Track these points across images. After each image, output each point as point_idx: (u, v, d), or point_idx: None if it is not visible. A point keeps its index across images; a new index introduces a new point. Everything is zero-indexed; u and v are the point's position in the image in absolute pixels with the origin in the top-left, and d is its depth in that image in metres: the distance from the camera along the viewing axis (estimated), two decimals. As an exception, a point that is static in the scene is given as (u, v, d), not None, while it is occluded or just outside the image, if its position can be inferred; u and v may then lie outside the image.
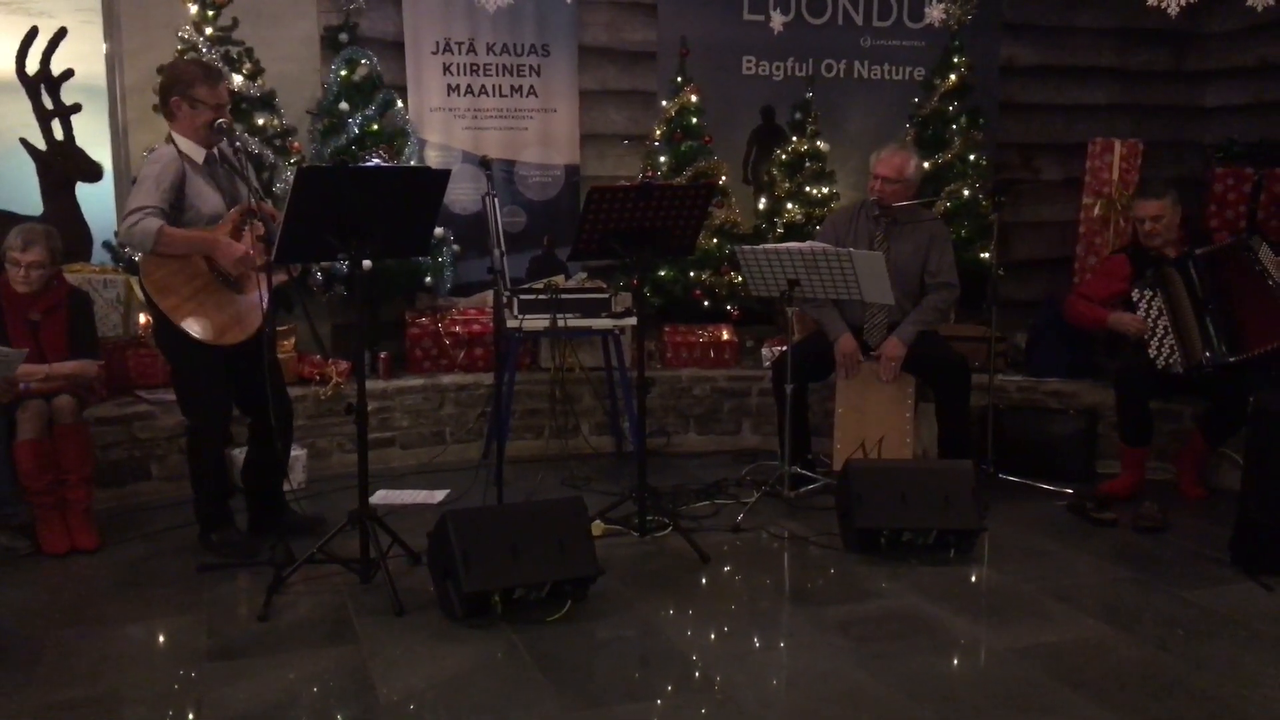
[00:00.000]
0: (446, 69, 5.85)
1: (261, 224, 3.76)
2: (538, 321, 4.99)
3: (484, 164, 4.58)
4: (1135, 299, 4.67)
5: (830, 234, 4.86)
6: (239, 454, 4.69)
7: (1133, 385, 4.67)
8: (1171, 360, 4.58)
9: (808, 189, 5.98)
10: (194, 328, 3.78)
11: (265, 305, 3.82)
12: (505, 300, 4.80)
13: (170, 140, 3.89)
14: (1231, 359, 4.49)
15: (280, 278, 3.89)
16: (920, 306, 4.79)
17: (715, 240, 5.83)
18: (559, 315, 4.98)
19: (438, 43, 5.82)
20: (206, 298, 3.82)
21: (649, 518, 4.21)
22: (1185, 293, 4.58)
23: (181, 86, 3.85)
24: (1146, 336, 4.62)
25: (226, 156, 3.94)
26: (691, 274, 5.81)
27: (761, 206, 6.18)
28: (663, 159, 5.85)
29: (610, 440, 5.63)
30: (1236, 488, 4.05)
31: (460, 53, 5.86)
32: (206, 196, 3.87)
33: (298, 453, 4.85)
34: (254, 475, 4.19)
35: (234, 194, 3.96)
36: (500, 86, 5.95)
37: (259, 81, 5.22)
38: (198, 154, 3.89)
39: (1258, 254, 4.55)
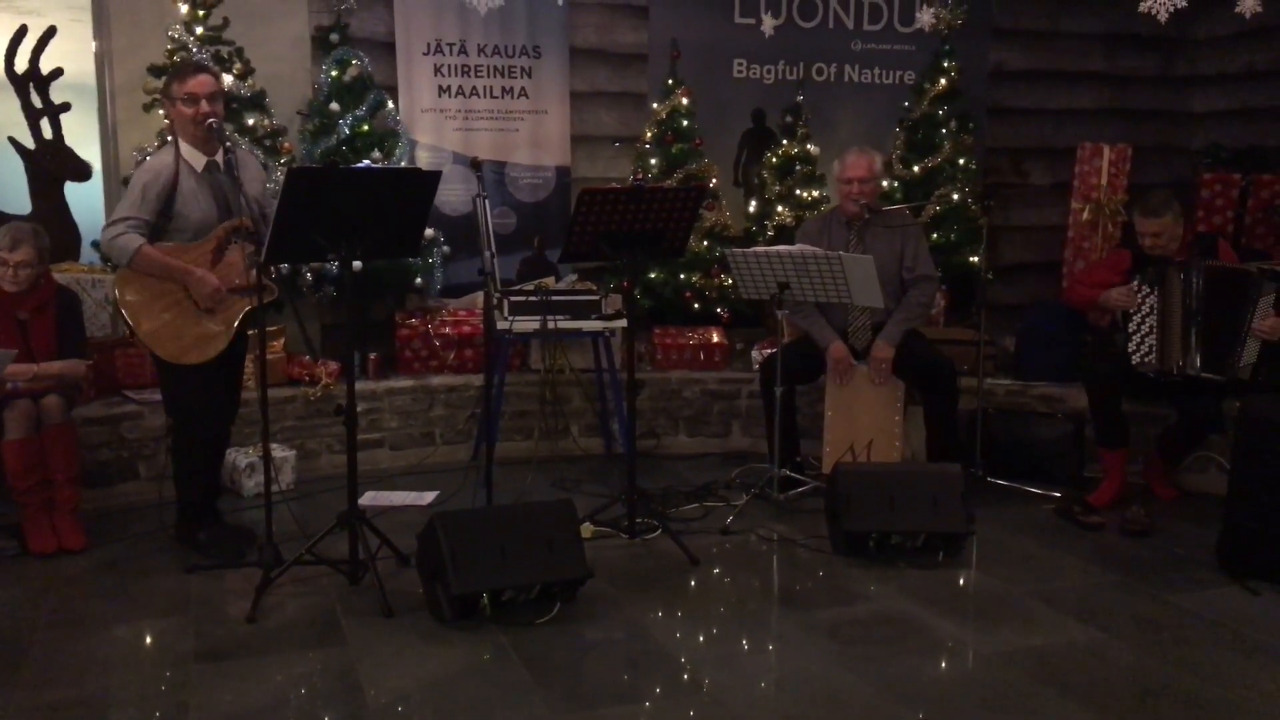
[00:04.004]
0: (438, 70, 5.84)
1: (252, 244, 3.73)
2: (528, 323, 4.98)
3: (475, 165, 4.56)
4: (1134, 289, 4.66)
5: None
6: (232, 454, 4.69)
7: (1102, 386, 4.66)
8: (1147, 359, 4.55)
9: (798, 192, 5.99)
10: (157, 346, 3.80)
11: (234, 328, 3.86)
12: (495, 302, 4.79)
13: (174, 144, 3.86)
14: (1204, 375, 4.48)
15: (268, 298, 3.85)
16: (903, 304, 4.80)
17: (706, 243, 5.84)
18: (549, 317, 4.97)
19: (429, 44, 5.81)
20: (174, 318, 3.80)
21: (638, 520, 4.22)
22: (1179, 297, 4.55)
23: (164, 89, 3.90)
24: (1130, 330, 4.60)
25: (232, 167, 3.85)
26: (682, 276, 5.81)
27: (752, 209, 6.20)
28: (653, 161, 5.86)
29: (600, 442, 5.63)
30: (1222, 492, 4.07)
31: (451, 54, 5.86)
32: (196, 205, 3.83)
33: (286, 454, 4.85)
34: None
35: (230, 205, 3.89)
36: (491, 88, 5.94)
37: (249, 82, 5.20)
38: (198, 160, 3.85)
39: (1257, 301, 4.44)
